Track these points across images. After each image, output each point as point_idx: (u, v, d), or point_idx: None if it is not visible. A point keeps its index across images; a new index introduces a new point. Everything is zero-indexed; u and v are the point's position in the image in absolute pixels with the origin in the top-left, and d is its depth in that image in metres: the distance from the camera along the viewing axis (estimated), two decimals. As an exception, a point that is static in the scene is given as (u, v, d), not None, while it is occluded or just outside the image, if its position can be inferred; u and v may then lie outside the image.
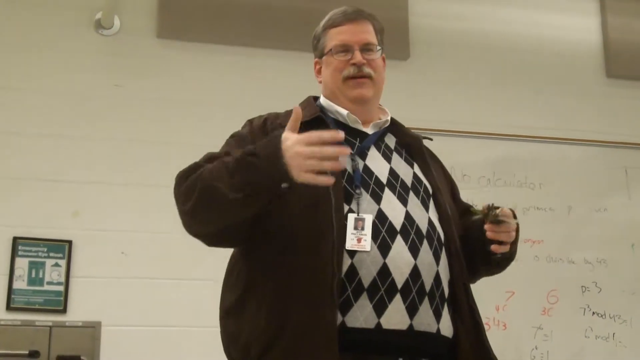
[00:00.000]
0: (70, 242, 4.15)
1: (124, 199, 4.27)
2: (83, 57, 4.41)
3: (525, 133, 4.84)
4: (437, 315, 2.11)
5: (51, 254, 4.12)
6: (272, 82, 4.47)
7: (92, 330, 4.06)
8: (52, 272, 4.10)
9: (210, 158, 2.15)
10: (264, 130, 2.25)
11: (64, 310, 4.08)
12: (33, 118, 4.27)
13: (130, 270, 4.20)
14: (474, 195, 4.54)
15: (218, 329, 2.18)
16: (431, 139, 2.50)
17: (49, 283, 4.09)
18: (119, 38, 4.48)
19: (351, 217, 2.09)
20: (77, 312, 4.09)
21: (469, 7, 5.06)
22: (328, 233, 2.04)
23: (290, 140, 1.93)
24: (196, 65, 4.54)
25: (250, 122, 2.33)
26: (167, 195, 4.14)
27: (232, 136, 2.31)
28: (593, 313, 4.70)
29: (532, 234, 4.68)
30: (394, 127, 2.43)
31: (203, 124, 4.38)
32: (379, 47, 2.38)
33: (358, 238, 2.06)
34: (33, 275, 4.08)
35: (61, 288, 4.09)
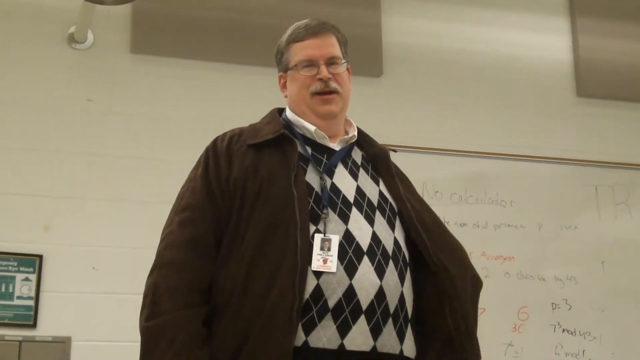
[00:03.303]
0: (40, 257, 4.12)
1: (95, 213, 4.24)
2: (55, 70, 4.39)
3: (496, 150, 4.87)
4: (401, 337, 2.11)
5: (21, 269, 4.08)
6: (244, 98, 4.46)
7: (62, 345, 4.03)
8: (22, 287, 4.06)
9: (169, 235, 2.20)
10: (229, 154, 2.23)
11: (33, 325, 4.04)
12: (4, 131, 4.24)
13: (101, 285, 4.17)
14: (445, 212, 4.63)
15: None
16: (395, 151, 2.50)
17: (19, 297, 4.05)
18: (92, 52, 4.46)
19: (318, 238, 2.08)
20: (47, 327, 4.06)
21: (441, 25, 5.09)
22: (290, 255, 2.03)
23: None
24: (169, 81, 4.52)
25: (213, 152, 2.27)
26: (139, 211, 4.20)
27: (190, 180, 2.27)
28: (563, 330, 4.72)
29: (503, 251, 4.70)
30: (360, 138, 2.42)
31: (175, 139, 4.37)
32: (343, 60, 2.37)
33: (324, 259, 2.05)
34: (3, 289, 4.04)
35: (31, 303, 4.06)
